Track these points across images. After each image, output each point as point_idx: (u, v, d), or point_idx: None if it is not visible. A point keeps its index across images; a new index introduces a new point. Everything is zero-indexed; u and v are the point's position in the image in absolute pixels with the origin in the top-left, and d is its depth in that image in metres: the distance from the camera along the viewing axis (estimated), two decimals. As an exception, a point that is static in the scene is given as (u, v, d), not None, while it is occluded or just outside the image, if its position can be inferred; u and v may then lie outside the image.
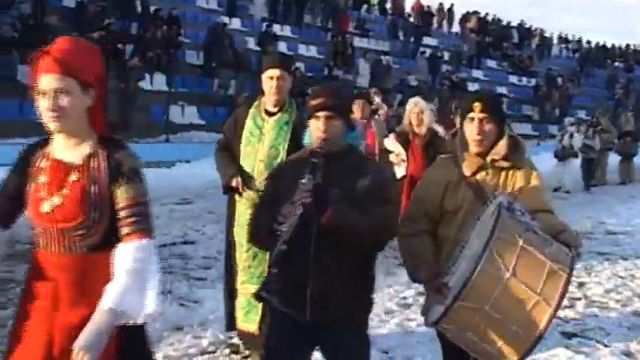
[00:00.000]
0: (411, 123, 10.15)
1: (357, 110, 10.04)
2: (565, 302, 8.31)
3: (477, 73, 39.54)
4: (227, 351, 6.46)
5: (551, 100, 39.40)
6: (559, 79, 41.79)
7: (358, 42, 34.16)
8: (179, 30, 25.70)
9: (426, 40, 39.02)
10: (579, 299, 8.75)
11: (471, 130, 4.37)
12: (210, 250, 10.38)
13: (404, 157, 10.00)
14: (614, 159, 25.12)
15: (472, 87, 36.38)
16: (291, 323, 4.16)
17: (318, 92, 4.33)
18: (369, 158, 4.43)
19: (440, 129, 10.87)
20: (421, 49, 36.42)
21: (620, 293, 9.10)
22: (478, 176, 4.37)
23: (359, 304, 4.27)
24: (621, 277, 9.95)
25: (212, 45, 25.66)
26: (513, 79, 41.83)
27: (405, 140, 10.14)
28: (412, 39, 38.10)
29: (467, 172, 4.38)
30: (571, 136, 21.32)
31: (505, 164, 4.36)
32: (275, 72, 6.09)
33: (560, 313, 8.00)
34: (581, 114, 37.72)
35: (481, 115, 4.34)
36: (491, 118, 4.35)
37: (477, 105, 4.35)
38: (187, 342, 6.62)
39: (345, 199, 4.04)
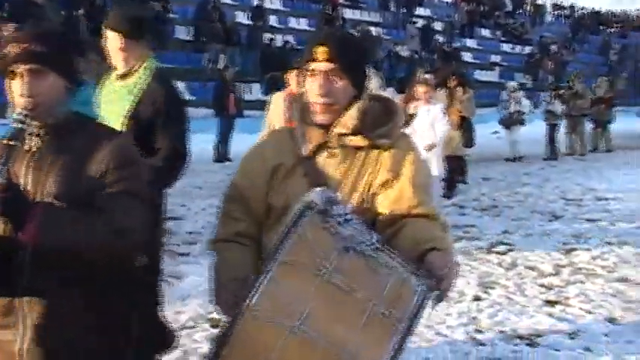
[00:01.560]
0: None
1: (293, 82, 8.75)
2: (550, 269, 8.40)
3: (471, 43, 39.36)
4: (206, 325, 6.43)
5: (544, 67, 39.22)
6: (552, 47, 41.60)
7: (350, 14, 33.97)
8: (167, 6, 25.54)
9: (419, 11, 38.79)
10: (565, 266, 8.70)
11: (312, 89, 2.97)
12: (196, 225, 10.35)
13: None
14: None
15: (466, 56, 36.27)
16: None
17: (14, 36, 2.88)
18: (107, 129, 3.05)
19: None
20: (413, 19, 36.20)
21: (607, 259, 9.04)
22: (320, 158, 3.01)
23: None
24: (609, 244, 9.88)
25: (201, 20, 25.51)
26: (506, 47, 41.61)
27: None
28: (404, 10, 37.86)
29: (305, 152, 3.01)
30: (519, 102, 20.19)
31: (359, 142, 2.97)
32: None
33: (544, 281, 7.99)
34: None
35: (327, 66, 2.93)
36: (343, 71, 2.95)
37: (321, 50, 2.92)
38: (167, 317, 6.57)
39: (64, 199, 2.78)
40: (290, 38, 28.38)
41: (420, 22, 35.50)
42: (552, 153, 21.19)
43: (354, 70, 2.98)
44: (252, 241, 3.06)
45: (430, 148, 10.04)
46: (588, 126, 23.89)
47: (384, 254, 2.55)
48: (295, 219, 2.50)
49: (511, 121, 20.19)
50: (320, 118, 2.97)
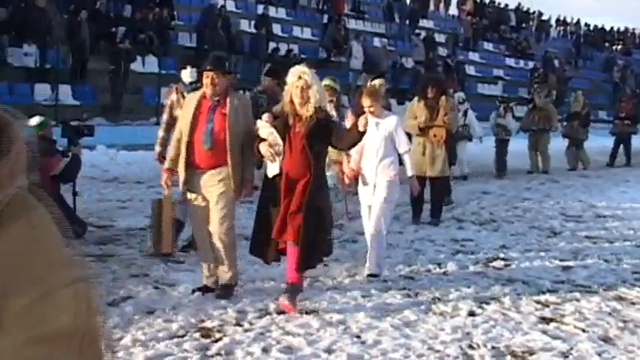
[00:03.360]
0: (292, 100, 7.21)
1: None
2: (547, 286, 8.33)
3: (474, 56, 39.34)
4: (197, 335, 6.36)
5: (547, 82, 39.18)
6: (556, 62, 41.61)
7: (354, 24, 33.99)
8: (172, 12, 25.55)
9: (423, 23, 38.81)
10: (562, 282, 8.65)
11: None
12: (190, 233, 10.27)
13: (280, 148, 7.09)
14: (559, 143, 22.78)
15: (469, 70, 36.27)
16: None
17: None
18: None
19: (334, 112, 8.96)
20: (417, 31, 36.20)
21: (605, 277, 8.98)
22: None
23: None
24: (607, 261, 9.83)
25: (205, 27, 25.49)
26: (510, 61, 41.63)
27: (282, 125, 7.22)
28: (408, 21, 37.87)
29: None
30: (465, 113, 17.84)
31: None
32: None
33: (541, 298, 7.93)
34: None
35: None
36: None
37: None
38: (157, 326, 6.53)
39: None
40: (294, 47, 28.38)
41: (423, 34, 35.48)
42: (501, 170, 19.49)
43: None
44: None
45: (392, 178, 8.63)
46: (557, 144, 22.43)
47: None
48: None
49: (456, 137, 16.82)
50: None
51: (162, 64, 22.74)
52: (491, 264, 9.46)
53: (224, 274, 7.40)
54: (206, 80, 7.32)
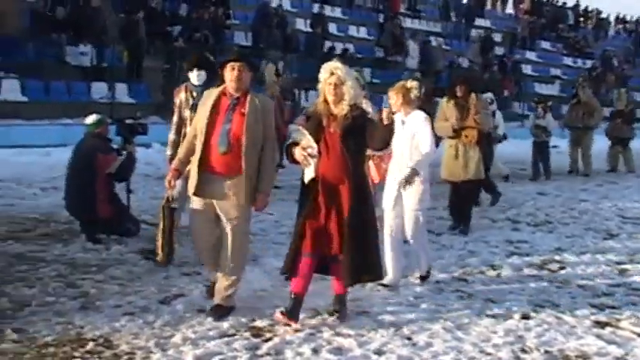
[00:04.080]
0: (325, 100, 6.78)
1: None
2: (603, 289, 8.19)
3: (531, 55, 38.95)
4: (247, 334, 6.36)
5: (606, 81, 38.65)
6: (615, 61, 41.03)
7: (409, 23, 33.85)
8: (227, 11, 25.67)
9: (479, 22, 38.52)
10: (618, 286, 8.50)
11: None
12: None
13: (314, 150, 6.67)
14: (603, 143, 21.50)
15: (526, 69, 35.92)
16: None
17: None
18: None
19: (370, 108, 8.23)
20: (473, 30, 35.94)
21: (663, 281, 8.81)
22: None
23: None
24: (665, 265, 9.64)
25: (260, 26, 25.56)
26: (568, 60, 41.15)
27: (316, 126, 6.76)
28: (464, 20, 37.61)
29: None
30: (493, 114, 15.36)
31: None
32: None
33: (596, 301, 7.80)
34: (638, 96, 36.94)
35: None
36: None
37: None
38: (208, 324, 6.54)
39: None
40: (349, 46, 28.36)
41: (480, 33, 35.20)
42: (536, 174, 18.39)
43: None
44: None
45: (408, 181, 7.92)
46: (601, 143, 21.23)
47: None
48: None
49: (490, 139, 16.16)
50: None
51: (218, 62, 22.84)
52: (546, 266, 9.32)
53: (222, 292, 6.85)
54: (231, 72, 6.66)
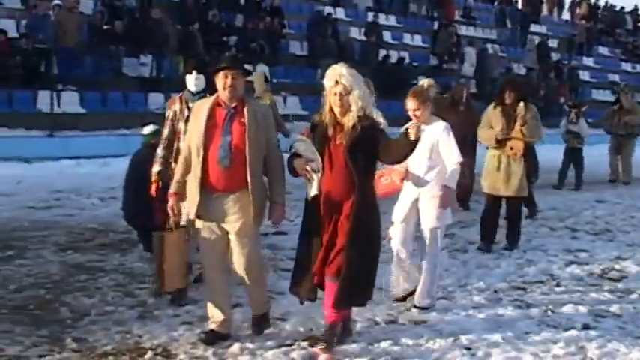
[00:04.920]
0: (331, 109, 6.18)
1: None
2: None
3: (588, 61, 38.51)
4: (305, 344, 6.35)
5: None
6: (675, 66, 40.45)
7: (464, 30, 33.69)
8: (282, 21, 25.78)
9: (534, 28, 38.19)
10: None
11: None
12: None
13: (318, 164, 6.14)
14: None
15: (583, 75, 35.52)
16: None
17: None
18: None
19: (382, 119, 6.33)
20: (529, 36, 35.63)
21: None
22: None
23: None
24: None
25: (315, 35, 25.63)
26: (626, 66, 40.60)
27: (321, 136, 6.22)
28: (519, 27, 37.32)
29: None
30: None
31: None
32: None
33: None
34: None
35: None
36: None
37: None
38: (266, 333, 6.55)
39: None
40: (404, 55, 28.29)
41: (536, 40, 34.89)
42: (561, 182, 17.25)
43: None
44: None
45: (444, 204, 7.28)
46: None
47: None
48: None
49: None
50: None
51: (273, 72, 22.94)
52: (606, 275, 9.19)
53: (256, 306, 6.60)
54: (224, 81, 6.12)
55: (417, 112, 7.14)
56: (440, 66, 29.71)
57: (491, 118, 10.17)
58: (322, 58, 24.90)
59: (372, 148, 6.06)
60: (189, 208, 6.32)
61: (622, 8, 45.26)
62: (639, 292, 8.43)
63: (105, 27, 21.19)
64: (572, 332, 6.91)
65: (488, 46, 31.36)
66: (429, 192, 7.27)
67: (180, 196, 6.38)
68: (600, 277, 9.11)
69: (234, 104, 6.19)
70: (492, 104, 10.35)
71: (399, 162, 6.47)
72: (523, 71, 31.69)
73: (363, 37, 28.10)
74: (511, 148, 10.03)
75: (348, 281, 5.98)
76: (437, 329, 6.84)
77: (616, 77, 37.95)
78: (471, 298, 7.90)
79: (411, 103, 7.21)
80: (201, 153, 6.10)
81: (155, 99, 20.31)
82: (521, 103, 9.98)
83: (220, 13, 24.30)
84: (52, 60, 19.39)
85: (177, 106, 7.86)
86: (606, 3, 44.49)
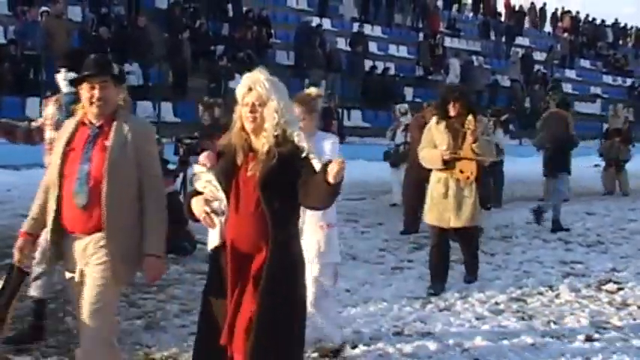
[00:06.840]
0: (243, 128, 4.55)
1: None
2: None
3: (570, 73, 38.82)
4: (314, 355, 6.36)
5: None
6: (656, 79, 40.81)
7: (449, 42, 33.87)
8: (269, 30, 25.85)
9: (518, 40, 38.46)
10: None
11: None
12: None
13: (222, 204, 4.43)
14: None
15: (566, 87, 35.77)
16: None
17: None
18: None
19: (304, 143, 4.55)
20: (513, 48, 35.87)
21: None
22: None
23: None
24: None
25: (302, 45, 25.71)
26: (608, 79, 40.97)
27: (228, 166, 4.57)
28: (504, 39, 37.57)
29: None
30: (405, 129, 14.35)
31: None
32: None
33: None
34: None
35: None
36: None
37: None
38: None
39: None
40: (390, 65, 28.39)
41: (520, 52, 35.13)
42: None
43: None
44: None
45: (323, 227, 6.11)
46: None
47: None
48: None
49: (396, 157, 14.48)
50: None
51: (261, 82, 23.00)
52: (603, 287, 9.25)
53: None
54: (90, 93, 4.74)
55: (301, 123, 5.12)
56: (425, 77, 29.85)
57: (435, 135, 8.56)
58: (309, 68, 25.04)
59: (293, 182, 4.42)
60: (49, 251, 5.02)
61: (603, 21, 45.59)
62: (636, 303, 8.49)
63: (93, 34, 21.17)
64: (577, 344, 6.97)
65: (473, 57, 31.54)
66: (312, 221, 5.98)
67: (33, 237, 4.98)
68: (598, 288, 9.16)
69: (99, 122, 4.80)
70: (434, 118, 8.78)
71: (318, 209, 5.04)
72: (507, 83, 31.89)
73: (349, 48, 28.19)
74: (461, 171, 8.45)
75: None
76: (443, 341, 6.86)
77: (598, 90, 38.29)
78: (474, 310, 7.95)
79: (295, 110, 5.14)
80: (57, 186, 4.76)
81: (144, 107, 20.28)
82: (470, 116, 8.26)
83: (208, 22, 24.35)
84: (41, 67, 19.34)
85: (49, 110, 6.50)
86: (587, 16, 44.81)
